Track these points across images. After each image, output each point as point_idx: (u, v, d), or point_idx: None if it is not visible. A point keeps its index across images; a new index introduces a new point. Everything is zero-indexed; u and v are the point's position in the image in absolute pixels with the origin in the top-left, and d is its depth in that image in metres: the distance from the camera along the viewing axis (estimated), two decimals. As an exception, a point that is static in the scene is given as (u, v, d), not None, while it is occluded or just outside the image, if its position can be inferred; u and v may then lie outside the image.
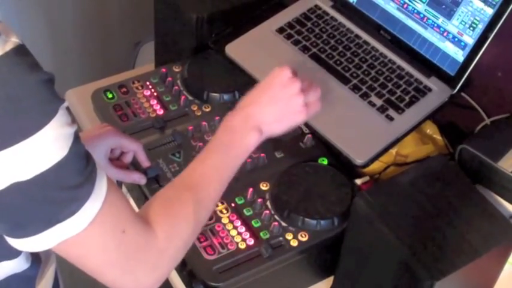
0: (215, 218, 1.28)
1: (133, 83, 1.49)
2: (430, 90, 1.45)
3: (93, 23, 2.72)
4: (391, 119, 1.41)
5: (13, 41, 0.89)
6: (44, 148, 0.88)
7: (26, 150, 0.86)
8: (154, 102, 1.46)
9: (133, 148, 1.34)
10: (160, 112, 1.45)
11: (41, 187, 0.88)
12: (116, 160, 1.36)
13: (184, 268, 1.26)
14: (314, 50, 1.51)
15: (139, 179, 1.33)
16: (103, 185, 0.95)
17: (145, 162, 1.33)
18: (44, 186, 0.89)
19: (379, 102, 1.43)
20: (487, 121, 1.51)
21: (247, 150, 1.16)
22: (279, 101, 1.19)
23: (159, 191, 1.08)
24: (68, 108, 0.94)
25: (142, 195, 1.35)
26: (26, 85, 0.88)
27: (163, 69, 1.51)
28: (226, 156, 1.13)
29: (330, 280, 1.35)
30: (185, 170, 1.11)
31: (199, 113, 1.45)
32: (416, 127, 1.42)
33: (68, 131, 0.91)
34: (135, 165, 1.35)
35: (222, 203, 1.30)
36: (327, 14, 1.57)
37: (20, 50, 0.89)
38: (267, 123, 1.18)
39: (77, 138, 0.92)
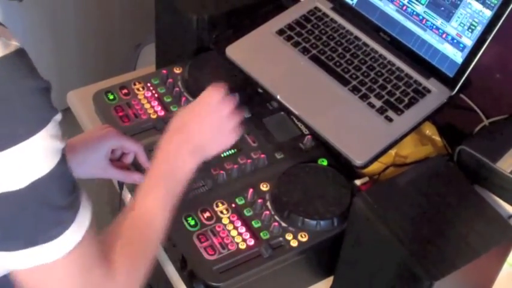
0: (216, 218, 1.28)
1: (135, 84, 1.49)
2: (429, 91, 1.45)
3: (94, 25, 2.72)
4: (390, 120, 1.41)
5: (14, 44, 0.89)
6: (34, 157, 0.87)
7: (15, 157, 0.86)
8: (155, 103, 1.46)
9: (134, 149, 1.34)
10: (161, 113, 1.45)
11: (28, 199, 0.88)
12: (116, 161, 1.36)
13: (185, 268, 1.26)
14: (314, 51, 1.51)
15: (140, 179, 1.33)
16: (87, 218, 0.96)
17: (146, 163, 1.33)
18: (31, 198, 0.88)
19: (378, 103, 1.43)
20: (486, 122, 1.51)
21: (186, 176, 1.17)
22: (212, 125, 1.20)
23: (113, 226, 1.08)
24: (63, 120, 0.94)
25: (143, 196, 1.35)
26: (22, 90, 0.87)
27: (164, 71, 1.52)
28: (168, 187, 1.14)
29: (329, 280, 1.35)
30: (134, 204, 1.11)
31: (199, 114, 1.45)
32: (415, 128, 1.42)
33: (58, 145, 0.91)
34: (136, 166, 1.35)
35: (223, 204, 1.30)
36: (327, 16, 1.58)
37: (20, 54, 0.89)
38: (201, 146, 1.18)
39: (64, 156, 0.92)
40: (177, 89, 1.48)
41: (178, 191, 1.15)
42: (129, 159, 1.36)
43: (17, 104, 0.86)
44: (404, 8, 1.49)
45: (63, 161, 0.92)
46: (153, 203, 1.11)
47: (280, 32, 1.55)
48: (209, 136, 1.20)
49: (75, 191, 0.94)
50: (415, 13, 1.47)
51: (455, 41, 1.43)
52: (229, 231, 1.27)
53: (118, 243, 1.04)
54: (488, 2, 1.37)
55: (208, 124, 1.19)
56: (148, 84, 1.50)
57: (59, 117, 0.92)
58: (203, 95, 1.22)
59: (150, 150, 1.36)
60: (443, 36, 1.44)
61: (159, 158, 1.17)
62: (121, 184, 1.41)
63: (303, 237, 1.26)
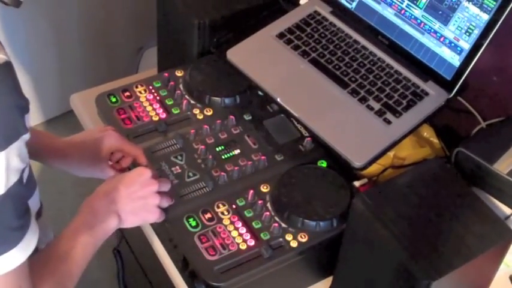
0: (217, 219, 1.28)
1: (137, 87, 1.50)
2: (427, 94, 1.45)
3: (97, 29, 2.72)
4: (388, 122, 1.41)
5: (0, 57, 0.89)
6: None
7: None
8: (157, 106, 1.46)
9: (133, 153, 1.34)
10: (163, 116, 1.45)
11: None
12: (115, 163, 1.36)
13: (186, 268, 1.26)
14: (313, 55, 1.52)
15: None
16: (33, 242, 1.00)
17: (146, 165, 1.33)
18: None
19: (377, 106, 1.43)
20: (483, 124, 1.51)
21: (108, 231, 1.20)
22: (137, 198, 1.22)
23: (40, 254, 1.10)
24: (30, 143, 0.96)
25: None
26: None
27: (166, 74, 1.52)
28: (89, 236, 1.17)
29: (328, 280, 1.35)
30: (55, 244, 1.14)
31: (201, 117, 1.45)
32: (413, 130, 1.42)
33: (19, 165, 0.93)
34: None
35: (224, 205, 1.30)
36: (326, 20, 1.58)
37: (5, 69, 0.89)
38: (124, 212, 1.21)
39: (21, 179, 0.95)
40: (179, 91, 1.48)
41: (96, 243, 1.19)
42: (127, 162, 1.36)
43: None
44: (403, 11, 1.49)
45: (20, 181, 0.94)
46: (72, 248, 1.14)
47: (280, 36, 1.55)
48: (134, 207, 1.22)
49: (26, 213, 0.98)
50: (413, 17, 1.47)
51: (452, 44, 1.43)
52: (230, 232, 1.27)
53: (43, 271, 1.08)
54: (486, 6, 1.38)
55: (135, 198, 1.22)
56: (150, 87, 1.50)
57: (27, 136, 0.94)
58: (135, 172, 1.24)
59: (152, 152, 1.37)
60: (441, 39, 1.44)
61: (84, 211, 1.20)
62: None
63: (303, 238, 1.26)
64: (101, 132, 1.34)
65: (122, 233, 1.51)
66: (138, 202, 1.22)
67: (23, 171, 0.96)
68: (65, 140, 1.35)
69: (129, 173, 1.25)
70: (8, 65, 0.89)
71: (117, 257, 1.52)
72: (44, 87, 2.74)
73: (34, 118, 2.77)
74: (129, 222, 1.24)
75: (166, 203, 1.27)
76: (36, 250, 1.03)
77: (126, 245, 1.79)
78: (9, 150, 0.89)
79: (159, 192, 1.25)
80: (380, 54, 1.51)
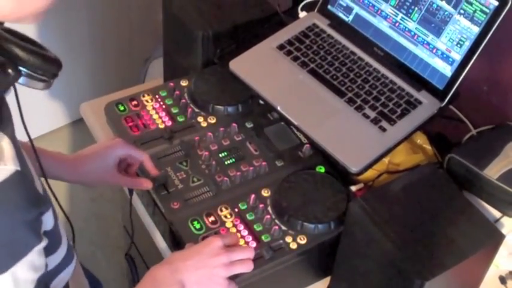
0: (220, 222, 1.28)
1: (144, 96, 1.50)
2: (420, 103, 1.45)
3: (106, 41, 2.73)
4: (384, 130, 1.41)
5: (9, 168, 0.84)
6: None
7: None
8: (163, 114, 1.46)
9: (141, 158, 1.34)
10: (169, 123, 1.45)
11: None
12: (123, 171, 1.36)
13: (191, 269, 1.26)
14: (312, 65, 1.52)
15: (147, 184, 1.33)
16: None
17: (153, 169, 1.33)
18: None
19: (372, 114, 1.43)
20: (474, 132, 1.51)
21: None
22: (204, 268, 1.15)
23: None
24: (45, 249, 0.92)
25: (151, 201, 1.36)
26: (7, 225, 0.84)
27: (171, 84, 1.52)
28: None
29: (327, 280, 1.35)
30: None
31: (205, 124, 1.45)
32: (407, 137, 1.42)
33: (32, 276, 0.89)
34: (144, 174, 1.36)
35: (227, 208, 1.30)
36: (324, 32, 1.58)
37: (14, 180, 0.84)
38: (190, 282, 1.14)
39: (39, 284, 0.90)
40: (184, 100, 1.49)
41: None
42: (134, 169, 1.36)
43: None
44: (397, 24, 1.49)
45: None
46: None
47: (281, 47, 1.55)
48: (200, 278, 1.15)
49: None
50: (407, 29, 1.48)
51: (445, 55, 1.43)
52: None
53: None
54: (476, 19, 1.38)
55: (202, 267, 1.15)
56: (157, 96, 1.50)
57: (42, 245, 0.90)
58: (204, 242, 1.19)
59: (158, 158, 1.37)
60: (434, 51, 1.45)
61: (148, 280, 1.15)
62: (131, 191, 1.41)
63: (302, 240, 1.26)
64: (109, 141, 1.35)
65: (131, 238, 1.51)
66: (204, 272, 1.15)
67: (39, 279, 0.91)
68: (75, 154, 1.34)
69: (198, 244, 1.19)
70: (16, 176, 0.84)
71: (129, 262, 1.51)
72: (55, 97, 2.74)
73: (46, 126, 2.78)
74: None
75: (239, 271, 1.19)
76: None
77: (134, 247, 1.79)
78: (16, 268, 0.85)
79: (236, 260, 1.18)
80: (375, 65, 1.51)
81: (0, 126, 0.89)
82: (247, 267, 1.19)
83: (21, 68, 0.91)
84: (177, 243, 1.29)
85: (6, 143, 0.87)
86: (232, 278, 1.18)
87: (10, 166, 0.84)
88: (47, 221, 0.94)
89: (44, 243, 0.90)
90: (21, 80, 0.92)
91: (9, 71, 0.89)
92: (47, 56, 0.96)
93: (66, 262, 1.09)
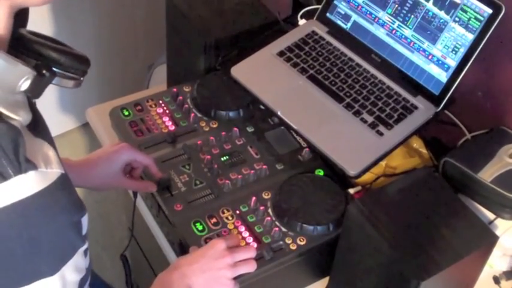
0: (222, 224, 1.28)
1: (148, 101, 1.50)
2: (416, 108, 1.45)
3: (111, 48, 2.73)
4: (381, 134, 1.41)
5: (54, 172, 0.83)
6: None
7: None
8: (166, 119, 1.47)
9: (145, 162, 1.34)
10: (172, 128, 1.45)
11: None
12: (127, 174, 1.36)
13: (194, 269, 1.26)
14: (311, 71, 1.52)
15: (151, 187, 1.33)
16: None
17: (157, 173, 1.34)
18: None
19: (370, 119, 1.43)
20: (468, 136, 1.51)
21: None
22: (210, 270, 1.16)
23: None
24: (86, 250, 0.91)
25: (156, 204, 1.36)
26: (53, 229, 0.83)
27: (175, 89, 1.52)
28: None
29: (325, 280, 1.35)
30: None
31: (207, 129, 1.46)
32: (404, 141, 1.42)
33: (76, 277, 0.88)
34: (148, 177, 1.36)
35: (228, 211, 1.30)
36: (323, 39, 1.58)
37: (59, 184, 0.83)
38: (197, 285, 1.15)
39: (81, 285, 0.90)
40: (186, 105, 1.49)
41: None
42: (138, 173, 1.37)
43: (45, 244, 0.83)
44: (394, 31, 1.49)
45: None
46: None
47: (281, 54, 1.56)
48: (206, 280, 1.15)
49: None
50: (403, 36, 1.48)
51: (440, 62, 1.43)
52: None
53: None
54: (471, 27, 1.38)
55: (208, 270, 1.16)
56: (160, 102, 1.50)
57: (85, 246, 0.89)
58: (208, 245, 1.19)
59: (162, 162, 1.37)
60: (430, 57, 1.45)
61: (158, 285, 1.15)
62: (135, 193, 1.42)
63: (302, 241, 1.26)
64: (114, 146, 1.35)
65: (129, 239, 1.51)
66: (210, 274, 1.15)
67: (81, 280, 0.91)
68: (82, 160, 1.34)
69: (202, 247, 1.20)
70: (62, 178, 0.84)
71: (124, 262, 1.51)
72: (62, 102, 2.75)
73: (53, 130, 2.77)
74: None
75: (244, 271, 1.19)
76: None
77: (138, 248, 1.79)
78: (64, 270, 0.85)
79: (240, 261, 1.19)
80: (373, 71, 1.52)
81: (41, 134, 0.88)
82: (251, 267, 1.20)
83: (54, 68, 0.91)
84: (180, 244, 1.29)
85: (48, 149, 0.86)
86: (234, 278, 1.19)
87: (56, 169, 0.84)
88: (85, 224, 0.93)
89: (86, 245, 0.90)
90: (54, 80, 0.91)
91: (44, 72, 0.88)
92: (77, 55, 0.95)
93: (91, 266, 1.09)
